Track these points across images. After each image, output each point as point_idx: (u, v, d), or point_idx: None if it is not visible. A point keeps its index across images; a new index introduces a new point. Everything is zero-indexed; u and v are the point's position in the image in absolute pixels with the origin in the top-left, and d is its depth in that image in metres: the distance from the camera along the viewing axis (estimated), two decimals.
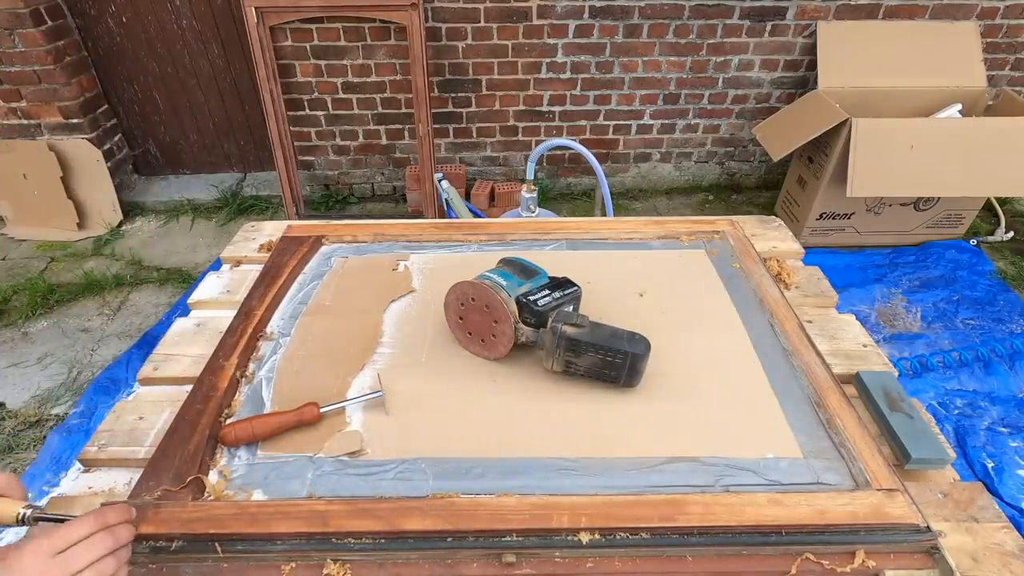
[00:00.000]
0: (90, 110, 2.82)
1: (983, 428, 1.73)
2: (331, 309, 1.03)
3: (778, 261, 1.14)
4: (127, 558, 0.59)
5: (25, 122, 2.77)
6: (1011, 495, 1.56)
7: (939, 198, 2.47)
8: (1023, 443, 1.67)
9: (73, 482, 0.77)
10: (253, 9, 2.44)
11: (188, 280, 2.52)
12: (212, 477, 0.74)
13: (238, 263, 1.19)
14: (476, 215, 2.52)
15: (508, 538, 0.66)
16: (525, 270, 0.93)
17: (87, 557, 0.54)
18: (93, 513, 0.58)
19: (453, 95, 2.85)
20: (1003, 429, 1.73)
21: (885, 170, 2.23)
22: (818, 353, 0.90)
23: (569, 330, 0.82)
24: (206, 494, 0.71)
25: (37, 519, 0.59)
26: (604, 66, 2.78)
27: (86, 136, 2.78)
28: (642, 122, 2.99)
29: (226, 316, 1.00)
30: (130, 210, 3.00)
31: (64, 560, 0.53)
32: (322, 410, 0.80)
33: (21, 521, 0.59)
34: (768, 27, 2.69)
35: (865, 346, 0.96)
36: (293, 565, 0.65)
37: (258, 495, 0.71)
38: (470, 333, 0.92)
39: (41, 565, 0.52)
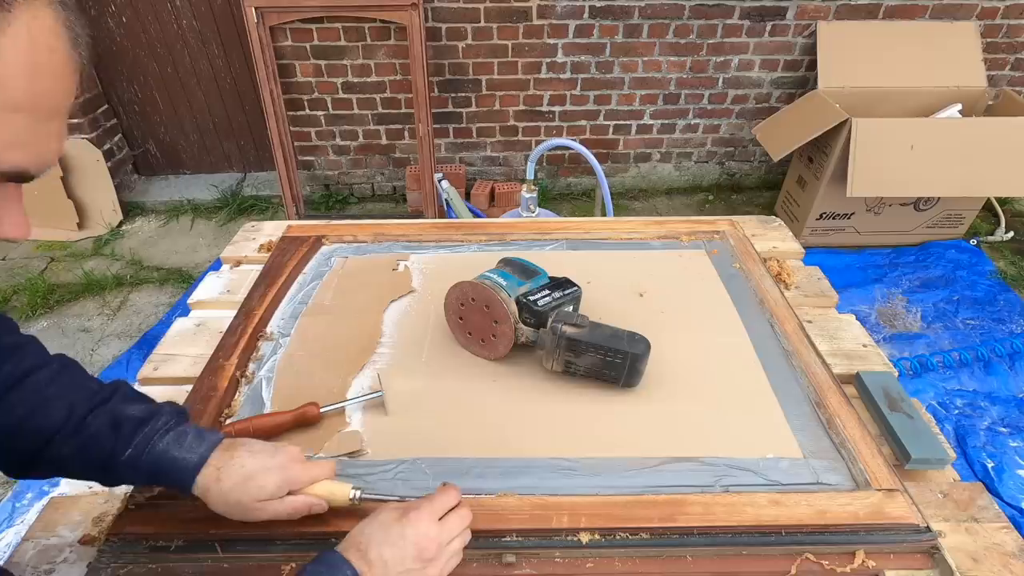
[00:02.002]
0: (90, 110, 2.82)
1: (983, 428, 1.73)
2: (331, 309, 1.03)
3: (778, 261, 1.14)
4: (470, 534, 0.63)
5: None
6: (1011, 495, 1.56)
7: (939, 198, 2.47)
8: (1023, 443, 1.67)
9: (74, 481, 0.76)
10: (253, 9, 2.44)
11: (188, 280, 2.52)
12: None
13: (238, 263, 1.19)
14: (476, 215, 2.52)
15: (508, 538, 0.66)
16: (525, 270, 0.93)
17: (459, 526, 0.61)
18: (451, 488, 0.63)
19: (453, 95, 2.85)
20: (1003, 429, 1.73)
21: (885, 170, 2.23)
22: (818, 353, 0.90)
23: (569, 330, 0.82)
24: None
25: (364, 499, 0.64)
26: (604, 66, 2.78)
27: (86, 136, 2.78)
28: (642, 122, 2.98)
29: (226, 316, 1.00)
30: (130, 210, 3.00)
31: (445, 525, 0.59)
32: (322, 410, 0.80)
33: (353, 500, 0.64)
34: (768, 27, 2.69)
35: (865, 346, 0.96)
36: (293, 565, 0.65)
37: None
38: (470, 333, 0.92)
39: (435, 527, 0.58)
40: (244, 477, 0.59)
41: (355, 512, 0.67)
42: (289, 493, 0.61)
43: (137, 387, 0.92)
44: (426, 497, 0.62)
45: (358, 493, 0.64)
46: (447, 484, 0.64)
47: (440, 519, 0.60)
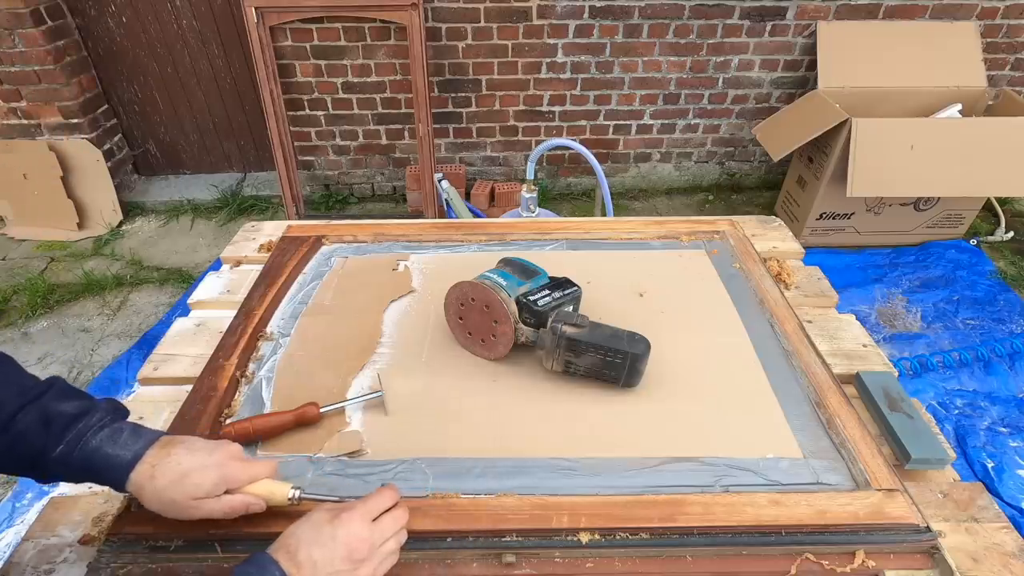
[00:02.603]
0: (90, 110, 2.82)
1: (983, 428, 1.73)
2: (331, 309, 1.03)
3: (778, 261, 1.14)
4: (406, 534, 0.64)
5: (25, 122, 2.77)
6: (1011, 495, 1.56)
7: (939, 198, 2.47)
8: (1023, 443, 1.67)
9: None
10: (253, 9, 2.44)
11: (188, 280, 2.52)
12: None
13: (238, 263, 1.19)
14: (476, 215, 2.52)
15: (508, 538, 0.66)
16: (525, 270, 0.93)
17: (394, 526, 0.61)
18: (387, 489, 0.64)
19: (453, 95, 2.85)
20: (1003, 429, 1.73)
21: (885, 170, 2.23)
22: (818, 353, 0.90)
23: (569, 330, 0.82)
24: None
25: (303, 499, 0.64)
26: (604, 66, 2.78)
27: (86, 136, 2.78)
28: (642, 122, 2.99)
29: (226, 316, 1.00)
30: (130, 210, 3.00)
31: (379, 526, 0.60)
32: (322, 410, 0.80)
33: (291, 500, 0.64)
34: (768, 27, 2.69)
35: (865, 346, 0.96)
36: None
37: None
38: (470, 333, 0.92)
39: (367, 528, 0.58)
40: (180, 475, 0.59)
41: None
42: (228, 492, 0.61)
43: (137, 387, 0.92)
44: (362, 498, 0.62)
45: (297, 493, 0.64)
46: (385, 485, 0.65)
47: (375, 520, 0.60)
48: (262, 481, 0.63)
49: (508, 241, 1.21)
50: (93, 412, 0.61)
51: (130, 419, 0.65)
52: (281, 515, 0.67)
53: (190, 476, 0.59)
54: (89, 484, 0.72)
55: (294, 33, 2.62)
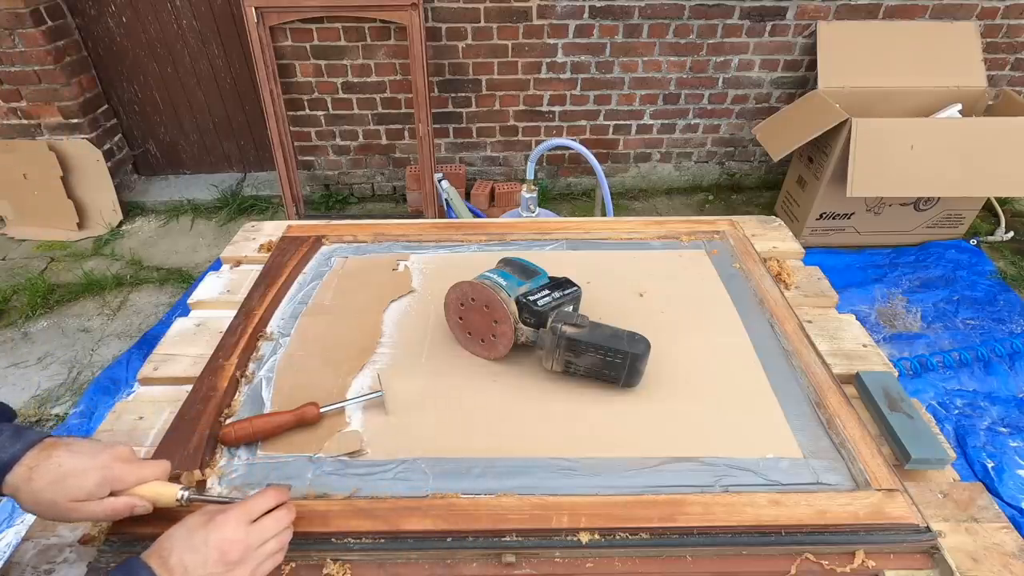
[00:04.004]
0: (90, 110, 2.82)
1: (983, 428, 1.73)
2: (331, 309, 1.02)
3: (778, 261, 1.14)
4: (291, 533, 0.63)
5: (25, 122, 2.77)
6: (1011, 495, 1.56)
7: (939, 198, 2.47)
8: (1023, 443, 1.67)
9: None
10: (253, 9, 2.44)
11: (188, 280, 2.52)
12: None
13: (238, 263, 1.19)
14: (476, 215, 2.52)
15: (508, 538, 0.66)
16: (525, 270, 0.93)
17: (274, 528, 0.60)
18: (271, 489, 0.63)
19: (453, 95, 2.85)
20: (1003, 429, 1.73)
21: (885, 170, 2.23)
22: (818, 353, 0.90)
23: (569, 330, 0.82)
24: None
25: (192, 500, 0.64)
26: (604, 66, 2.78)
27: (86, 136, 2.78)
28: (642, 122, 2.98)
29: (226, 316, 1.00)
30: (130, 210, 3.00)
31: (257, 528, 0.59)
32: (322, 410, 0.80)
33: (180, 502, 0.63)
34: (768, 27, 2.69)
35: (865, 346, 0.96)
36: (293, 565, 0.65)
37: None
38: (470, 333, 0.92)
39: (243, 530, 0.58)
40: (60, 476, 0.58)
41: (356, 511, 0.68)
42: (113, 493, 0.60)
43: (137, 387, 0.92)
44: (240, 500, 0.61)
45: (186, 494, 0.63)
46: (270, 485, 0.64)
47: (254, 521, 0.59)
48: (151, 483, 0.63)
49: (508, 241, 1.21)
50: None
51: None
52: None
53: (70, 478, 0.58)
54: None
55: (294, 33, 2.62)
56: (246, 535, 0.58)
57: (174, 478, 0.72)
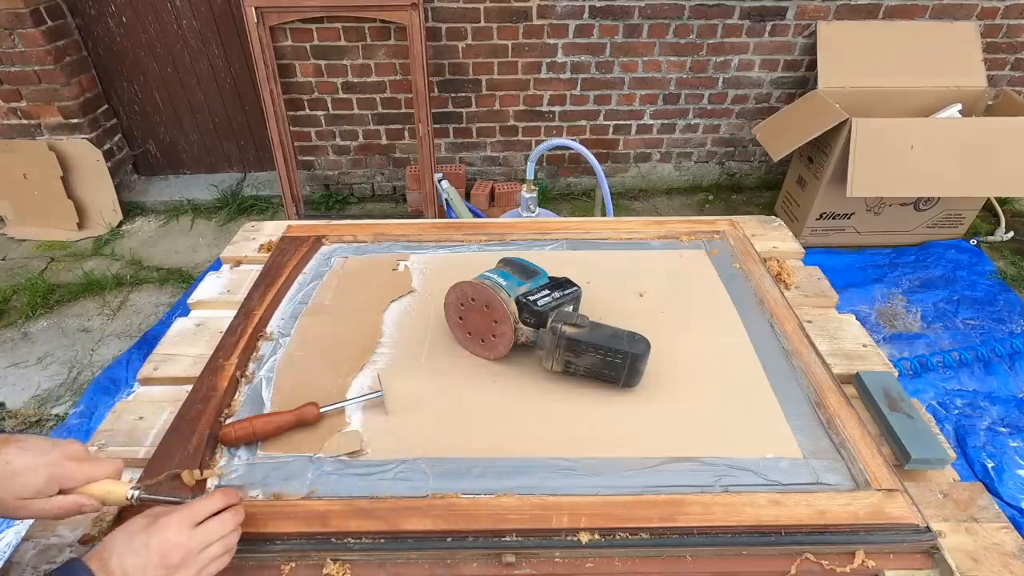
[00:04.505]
0: (90, 110, 2.82)
1: (983, 428, 1.73)
2: (331, 309, 1.02)
3: (778, 261, 1.14)
4: (239, 536, 0.63)
5: (25, 122, 2.77)
6: (1011, 495, 1.56)
7: (939, 198, 2.47)
8: (1023, 443, 1.67)
9: None
10: (253, 9, 2.44)
11: (188, 280, 2.52)
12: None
13: (238, 263, 1.19)
14: (476, 215, 2.52)
15: (508, 538, 0.66)
16: (525, 270, 0.93)
17: (218, 531, 0.60)
18: (219, 492, 0.64)
19: (453, 95, 2.85)
20: (1003, 429, 1.73)
21: (885, 170, 2.23)
22: (818, 353, 0.90)
23: (569, 330, 0.82)
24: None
25: (143, 499, 0.63)
26: (604, 66, 2.78)
27: (86, 136, 2.78)
28: (642, 122, 2.98)
29: (226, 316, 1.00)
30: (130, 210, 3.00)
31: (201, 531, 0.59)
32: (322, 410, 0.80)
33: (130, 501, 0.63)
34: (768, 27, 2.69)
35: (865, 346, 0.96)
36: (293, 565, 0.65)
37: (258, 495, 0.71)
38: (470, 333, 0.92)
39: (185, 533, 0.58)
40: (7, 474, 0.58)
41: (356, 511, 0.68)
42: (62, 491, 0.60)
43: (138, 387, 0.92)
44: (185, 503, 0.61)
45: (136, 493, 0.63)
46: (219, 489, 0.64)
47: (199, 524, 0.59)
48: (102, 481, 0.62)
49: (508, 241, 1.21)
50: None
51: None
52: (284, 516, 0.67)
53: (18, 476, 0.58)
54: None
55: (294, 33, 2.62)
56: (188, 538, 0.57)
57: (175, 477, 0.72)
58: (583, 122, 2.96)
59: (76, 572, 0.52)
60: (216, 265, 1.21)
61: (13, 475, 0.58)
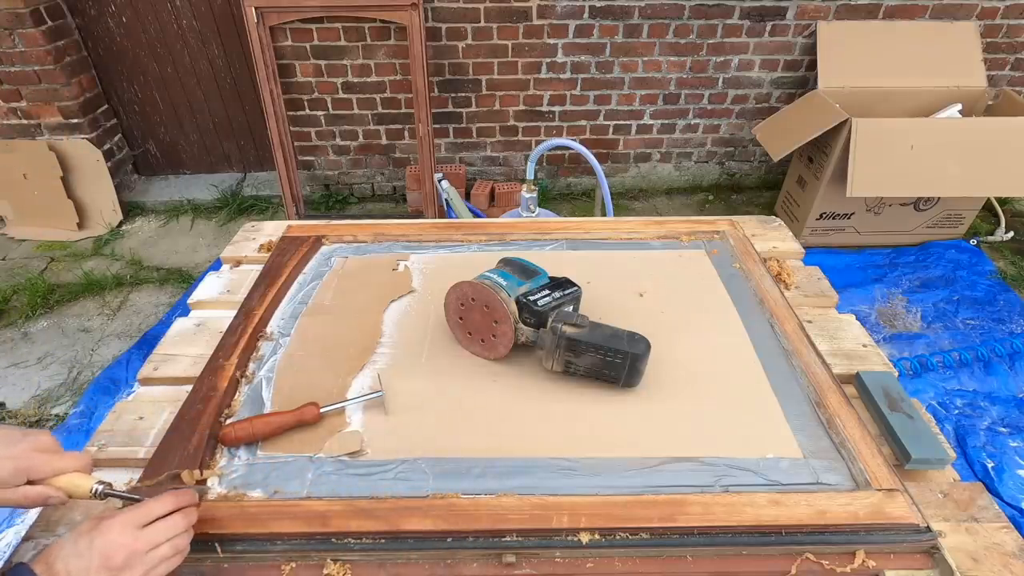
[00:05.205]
0: (90, 110, 2.82)
1: (983, 428, 1.73)
2: (331, 309, 1.02)
3: (778, 261, 1.14)
4: (191, 537, 0.63)
5: (25, 122, 2.77)
6: (1011, 495, 1.56)
7: (939, 198, 2.47)
8: (1023, 443, 1.67)
9: None
10: (253, 9, 2.44)
11: (188, 280, 2.52)
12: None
13: (238, 263, 1.19)
14: (476, 215, 2.52)
15: (508, 538, 0.66)
16: (525, 270, 0.93)
17: (167, 533, 0.60)
18: (170, 494, 0.63)
19: (453, 95, 2.85)
20: (1003, 429, 1.73)
21: (885, 170, 2.23)
22: (818, 353, 0.90)
23: (569, 330, 0.82)
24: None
25: (107, 495, 0.63)
26: (604, 66, 2.78)
27: (86, 136, 2.78)
28: (642, 122, 2.98)
29: (226, 316, 1.00)
30: (130, 210, 3.00)
31: (147, 533, 0.58)
32: (322, 410, 0.80)
33: (94, 495, 0.63)
34: (768, 27, 2.69)
35: (865, 346, 0.96)
36: (293, 565, 0.65)
37: (258, 495, 0.71)
38: (470, 333, 0.92)
39: (130, 535, 0.57)
40: None
41: (356, 511, 0.68)
42: (30, 482, 0.60)
43: (138, 387, 0.92)
44: (134, 504, 0.61)
45: (101, 488, 0.63)
46: (169, 491, 0.63)
47: (146, 526, 0.59)
48: (69, 474, 0.62)
49: (508, 241, 1.21)
50: None
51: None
52: (284, 516, 0.67)
53: None
54: None
55: (294, 33, 2.62)
56: (134, 539, 0.57)
57: (175, 477, 0.72)
58: (583, 122, 2.96)
59: (22, 575, 0.53)
60: (216, 265, 1.21)
61: None
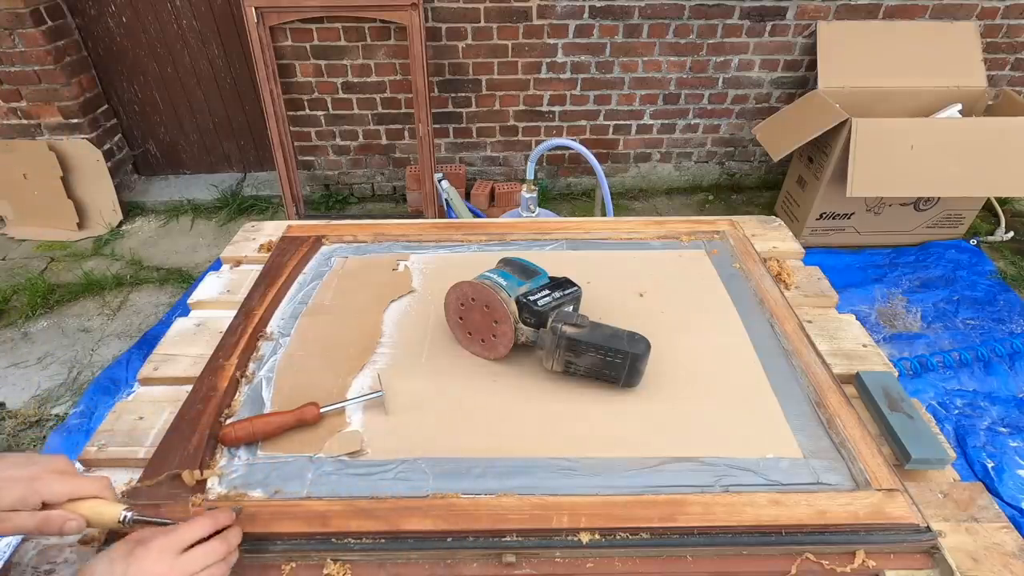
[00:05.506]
0: (90, 110, 2.82)
1: (983, 428, 1.73)
2: (331, 309, 1.02)
3: (778, 261, 1.14)
4: (234, 562, 0.60)
5: (25, 122, 2.77)
6: (1011, 495, 1.56)
7: (939, 198, 2.47)
8: (1023, 443, 1.67)
9: None
10: (253, 9, 2.44)
11: (188, 280, 2.52)
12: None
13: (238, 263, 1.19)
14: (476, 215, 2.52)
15: (508, 538, 0.66)
16: (525, 270, 0.93)
17: (204, 560, 0.57)
18: (208, 516, 0.60)
19: (453, 95, 2.85)
20: (1003, 429, 1.73)
21: (885, 170, 2.23)
22: (818, 353, 0.90)
23: (569, 330, 0.82)
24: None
25: (136, 521, 0.61)
26: (604, 66, 2.78)
27: (86, 136, 2.78)
28: (642, 122, 2.99)
29: (226, 316, 1.00)
30: (130, 210, 3.00)
31: (184, 561, 0.55)
32: (322, 410, 0.80)
33: (122, 523, 0.60)
34: (768, 27, 2.69)
35: (865, 346, 0.96)
36: (293, 565, 0.65)
37: (258, 495, 0.71)
38: (470, 333, 0.92)
39: (167, 561, 0.54)
40: None
41: (356, 511, 0.68)
42: (46, 506, 0.58)
43: (138, 387, 0.92)
44: (170, 527, 0.59)
45: (129, 515, 0.60)
46: (209, 511, 0.61)
47: (184, 551, 0.56)
48: (92, 501, 0.60)
49: (508, 241, 1.21)
50: None
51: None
52: (284, 516, 0.67)
53: None
54: None
55: (294, 33, 2.62)
56: (169, 568, 0.54)
57: (175, 477, 0.72)
58: (583, 122, 2.97)
59: None
60: (216, 265, 1.21)
61: None
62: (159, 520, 0.62)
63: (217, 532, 0.60)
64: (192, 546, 0.57)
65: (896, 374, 0.89)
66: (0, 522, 0.57)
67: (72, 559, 0.67)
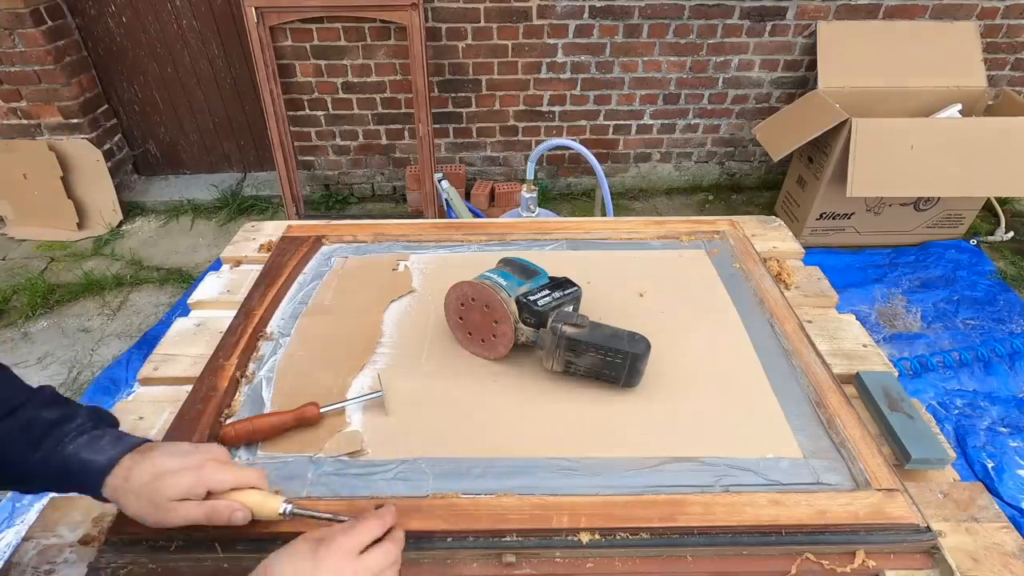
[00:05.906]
0: (90, 110, 2.82)
1: (983, 428, 1.73)
2: (331, 309, 1.02)
3: (778, 261, 1.14)
4: (399, 564, 0.60)
5: (25, 122, 2.77)
6: (1011, 495, 1.56)
7: (939, 198, 2.48)
8: (1023, 443, 1.67)
9: None
10: (253, 9, 2.44)
11: (188, 280, 2.52)
12: None
13: (238, 263, 1.19)
14: (476, 215, 2.52)
15: (508, 538, 0.66)
16: (525, 270, 0.93)
17: (383, 561, 0.56)
18: (377, 516, 0.60)
19: (453, 95, 2.85)
20: (1003, 429, 1.73)
21: (885, 170, 2.23)
22: (818, 353, 0.90)
23: (569, 330, 0.82)
24: None
25: (296, 515, 0.61)
26: (604, 66, 2.78)
27: (86, 136, 2.78)
28: (642, 122, 2.99)
29: (226, 316, 1.00)
30: (130, 210, 3.00)
31: (366, 561, 0.55)
32: (322, 410, 0.80)
33: (283, 515, 0.61)
34: (768, 27, 2.69)
35: (865, 346, 0.96)
36: None
37: None
38: (470, 333, 0.92)
39: (351, 563, 0.54)
40: (153, 476, 0.57)
41: (356, 511, 0.67)
42: (210, 496, 0.59)
43: (138, 387, 0.92)
44: (347, 526, 0.58)
45: (289, 508, 0.61)
46: (378, 508, 0.61)
47: (362, 553, 0.56)
48: (253, 492, 0.61)
49: (508, 241, 1.21)
50: (73, 418, 0.60)
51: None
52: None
53: (164, 478, 0.57)
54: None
55: (294, 33, 2.62)
56: (354, 571, 0.54)
57: None
58: (583, 122, 2.97)
59: None
60: (216, 265, 1.21)
61: (160, 476, 0.57)
62: (318, 515, 0.62)
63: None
64: (368, 547, 0.57)
65: (896, 374, 0.89)
66: (168, 512, 0.57)
67: (72, 559, 0.67)
